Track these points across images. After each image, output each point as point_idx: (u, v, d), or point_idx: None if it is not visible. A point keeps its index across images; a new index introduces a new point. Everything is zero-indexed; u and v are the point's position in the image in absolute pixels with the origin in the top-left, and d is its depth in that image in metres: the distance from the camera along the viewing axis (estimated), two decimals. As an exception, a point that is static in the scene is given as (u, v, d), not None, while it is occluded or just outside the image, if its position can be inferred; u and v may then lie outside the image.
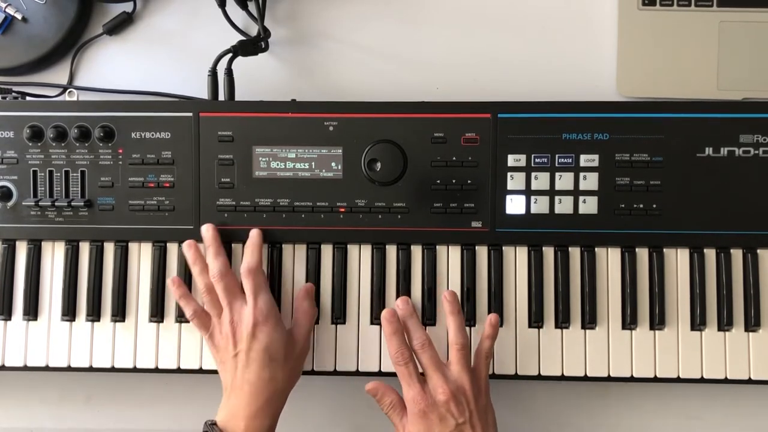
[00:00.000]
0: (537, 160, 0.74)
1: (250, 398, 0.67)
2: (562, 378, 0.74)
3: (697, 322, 0.74)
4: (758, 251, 0.74)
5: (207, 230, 0.74)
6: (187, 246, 0.74)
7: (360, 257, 0.76)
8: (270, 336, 0.69)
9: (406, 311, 0.72)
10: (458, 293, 0.74)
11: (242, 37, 0.82)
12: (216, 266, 0.71)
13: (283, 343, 0.69)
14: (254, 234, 0.74)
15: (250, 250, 0.73)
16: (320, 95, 0.83)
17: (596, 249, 0.75)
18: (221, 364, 0.70)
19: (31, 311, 0.76)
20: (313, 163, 0.75)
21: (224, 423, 0.67)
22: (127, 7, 0.85)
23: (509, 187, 0.74)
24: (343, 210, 0.75)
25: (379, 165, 0.74)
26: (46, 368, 0.75)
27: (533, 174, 0.74)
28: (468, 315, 0.74)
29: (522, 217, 0.74)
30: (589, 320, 0.74)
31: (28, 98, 0.81)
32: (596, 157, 0.74)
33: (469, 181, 0.74)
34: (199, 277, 0.72)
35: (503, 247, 0.75)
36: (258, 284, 0.71)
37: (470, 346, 0.71)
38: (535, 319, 0.74)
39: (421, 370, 0.70)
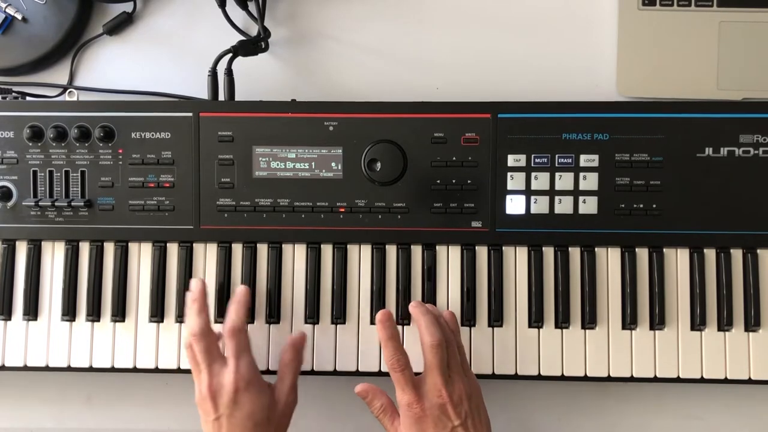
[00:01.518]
0: (537, 160, 0.74)
1: None
2: (562, 378, 0.74)
3: (697, 322, 0.74)
4: (758, 251, 0.74)
5: (196, 284, 0.71)
6: (191, 290, 0.71)
7: (360, 257, 0.76)
8: (252, 402, 0.66)
9: (421, 306, 0.70)
10: (458, 293, 0.74)
11: (242, 37, 0.82)
12: (196, 325, 0.68)
13: (266, 406, 0.67)
14: (241, 291, 0.71)
15: (234, 308, 0.70)
16: (320, 95, 0.83)
17: (596, 249, 0.75)
18: (204, 423, 0.68)
19: (31, 311, 0.76)
20: (313, 163, 0.75)
21: None
22: (127, 7, 0.85)
23: (509, 187, 0.74)
24: (343, 210, 0.75)
25: (379, 165, 0.74)
26: (46, 368, 0.76)
27: (533, 174, 0.74)
28: (468, 315, 0.74)
29: (522, 217, 0.74)
30: (589, 320, 0.74)
31: (28, 98, 0.81)
32: (596, 157, 0.74)
33: (469, 181, 0.74)
34: (186, 327, 0.69)
35: (503, 247, 0.75)
36: (241, 346, 0.68)
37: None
38: (535, 319, 0.74)
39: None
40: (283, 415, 0.69)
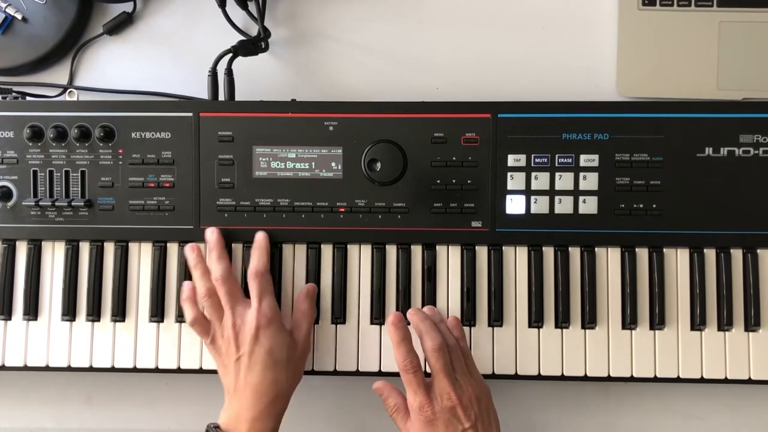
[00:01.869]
0: (537, 160, 0.74)
1: (253, 401, 0.67)
2: (562, 378, 0.74)
3: (697, 322, 0.74)
4: (758, 251, 0.74)
5: (212, 233, 0.74)
6: (189, 249, 0.74)
7: (360, 257, 0.76)
8: (273, 339, 0.69)
9: (420, 313, 0.71)
10: (458, 293, 0.74)
11: (242, 37, 0.82)
12: (219, 269, 0.71)
13: (285, 345, 0.70)
14: (261, 237, 0.74)
15: (258, 253, 0.73)
16: (320, 95, 0.83)
17: (596, 249, 0.75)
18: (223, 367, 0.70)
19: (31, 311, 0.76)
20: (313, 163, 0.75)
21: (227, 426, 0.67)
22: (127, 7, 0.85)
23: (509, 187, 0.74)
24: (343, 210, 0.75)
25: (379, 165, 0.74)
26: (46, 368, 0.76)
27: (533, 174, 0.74)
28: (468, 315, 0.74)
29: (522, 217, 0.74)
30: (589, 320, 0.74)
31: (28, 98, 0.81)
32: (596, 157, 0.74)
33: (469, 181, 0.74)
34: (201, 280, 0.72)
35: (503, 247, 0.75)
36: (264, 287, 0.71)
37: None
38: (535, 319, 0.74)
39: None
40: (300, 358, 0.71)
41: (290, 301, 0.75)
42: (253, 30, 0.84)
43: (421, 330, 0.70)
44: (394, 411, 0.70)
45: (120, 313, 0.75)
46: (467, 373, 0.69)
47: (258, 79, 0.84)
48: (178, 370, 0.75)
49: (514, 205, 0.74)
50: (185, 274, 0.75)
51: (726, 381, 0.73)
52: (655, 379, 0.74)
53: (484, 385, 0.70)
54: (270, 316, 0.70)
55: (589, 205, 0.74)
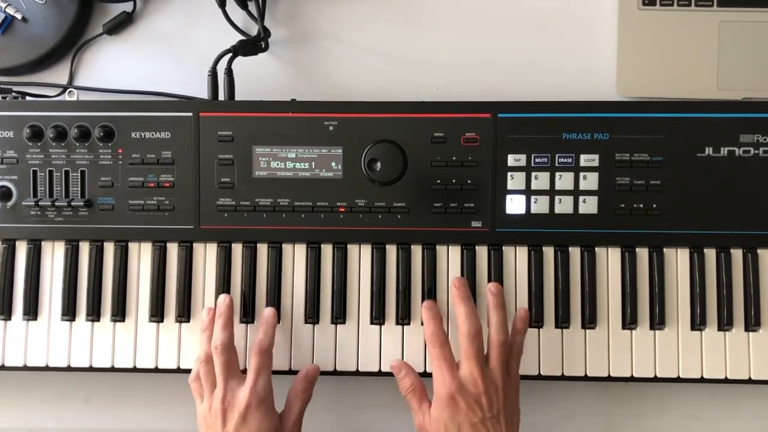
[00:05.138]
0: (537, 160, 0.74)
1: None
2: (562, 378, 0.74)
3: (697, 322, 0.74)
4: (758, 251, 0.74)
5: (223, 300, 0.72)
6: (207, 311, 0.72)
7: (360, 257, 0.76)
8: (260, 422, 0.66)
9: (464, 290, 0.71)
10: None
11: (242, 37, 0.82)
12: (220, 338, 0.69)
13: (272, 429, 0.67)
14: (269, 313, 0.72)
15: (264, 329, 0.71)
16: (320, 95, 0.83)
17: (596, 249, 0.75)
18: None
19: (31, 311, 0.76)
20: (313, 163, 0.75)
21: None
22: (127, 7, 0.85)
23: (509, 187, 0.74)
24: (343, 210, 0.75)
25: (379, 165, 0.74)
26: (46, 368, 0.76)
27: (533, 174, 0.74)
28: (468, 315, 0.74)
29: (522, 217, 0.74)
30: (589, 320, 0.74)
31: (28, 98, 0.81)
32: (596, 157, 0.74)
33: (469, 181, 0.74)
34: (203, 344, 0.71)
35: (503, 247, 0.75)
36: (263, 366, 0.69)
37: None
38: (535, 319, 0.74)
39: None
40: None
41: (290, 302, 0.75)
42: (253, 30, 0.84)
43: (460, 312, 0.69)
44: (409, 391, 0.70)
45: (120, 313, 0.75)
46: (503, 368, 0.68)
47: (258, 79, 0.84)
48: (178, 370, 0.75)
49: (514, 205, 0.74)
50: (185, 274, 0.75)
51: (726, 381, 0.73)
52: (655, 379, 0.74)
53: (516, 386, 0.69)
54: (262, 396, 0.67)
55: (589, 205, 0.74)
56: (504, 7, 0.84)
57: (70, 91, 0.81)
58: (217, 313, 0.71)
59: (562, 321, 0.74)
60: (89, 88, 0.84)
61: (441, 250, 0.75)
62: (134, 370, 0.75)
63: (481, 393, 0.66)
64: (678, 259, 0.75)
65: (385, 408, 0.78)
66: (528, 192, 0.74)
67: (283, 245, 0.76)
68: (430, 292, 0.75)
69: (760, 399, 0.78)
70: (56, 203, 0.75)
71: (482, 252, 0.75)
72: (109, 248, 0.76)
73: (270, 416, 0.68)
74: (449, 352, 0.69)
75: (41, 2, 0.83)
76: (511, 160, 0.74)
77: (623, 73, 0.81)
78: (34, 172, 0.76)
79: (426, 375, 0.72)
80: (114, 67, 0.85)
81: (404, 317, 0.74)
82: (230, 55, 0.78)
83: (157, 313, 0.75)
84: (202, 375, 0.69)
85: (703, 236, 0.74)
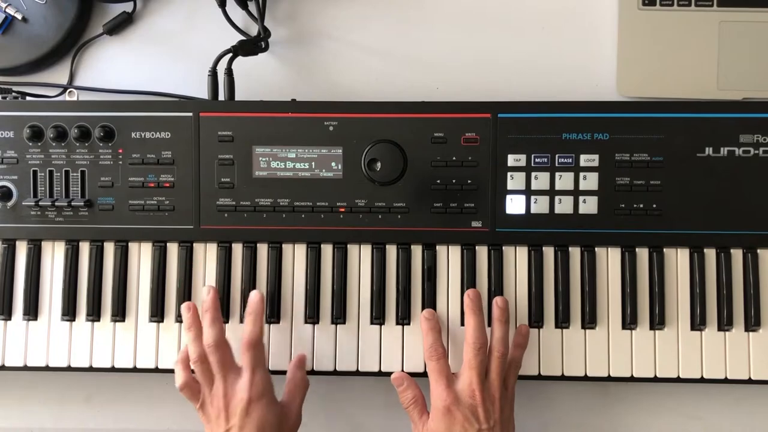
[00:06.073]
0: (537, 160, 0.74)
1: None
2: (563, 378, 0.74)
3: (697, 322, 0.74)
4: (758, 251, 0.74)
5: (208, 292, 0.71)
6: (186, 308, 0.71)
7: (360, 257, 0.76)
8: (264, 415, 0.66)
9: (477, 303, 0.71)
10: (458, 293, 0.74)
11: (242, 37, 0.82)
12: (212, 335, 0.68)
13: (276, 421, 0.67)
14: (255, 299, 0.71)
15: (251, 319, 0.69)
16: (320, 95, 0.83)
17: (596, 249, 0.75)
18: None
19: (31, 311, 0.76)
20: (313, 163, 0.75)
21: None
22: (127, 7, 0.85)
23: (509, 187, 0.74)
24: (343, 210, 0.75)
25: (379, 165, 0.74)
26: (46, 368, 0.76)
27: (533, 174, 0.74)
28: (468, 315, 0.74)
29: (522, 217, 0.74)
30: (589, 320, 0.74)
31: (28, 98, 0.81)
32: (596, 157, 0.74)
33: (469, 181, 0.74)
34: (193, 344, 0.69)
35: (503, 247, 0.75)
36: (257, 359, 0.68)
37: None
38: (535, 319, 0.74)
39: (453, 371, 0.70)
40: (291, 431, 0.69)
41: (290, 302, 0.75)
42: (253, 30, 0.84)
43: (470, 323, 0.70)
44: (411, 403, 0.70)
45: (120, 313, 0.75)
46: (501, 381, 0.69)
47: (258, 79, 0.84)
48: (178, 370, 0.75)
49: (514, 205, 0.74)
50: (185, 274, 0.75)
51: (726, 381, 0.73)
52: (655, 379, 0.74)
53: (512, 400, 0.70)
54: (262, 389, 0.67)
55: (589, 205, 0.74)
56: (504, 7, 0.84)
57: (70, 91, 0.81)
58: (204, 308, 0.70)
59: (562, 321, 0.74)
60: (89, 88, 0.84)
61: (441, 250, 0.76)
62: (134, 370, 0.75)
63: (478, 404, 0.66)
64: (678, 259, 0.75)
65: (385, 408, 0.79)
66: (528, 192, 0.74)
67: (283, 245, 0.76)
68: (430, 292, 0.75)
69: (760, 399, 0.78)
70: (56, 203, 0.75)
71: (482, 252, 0.75)
72: (109, 248, 0.76)
73: (273, 406, 0.68)
74: (446, 366, 0.69)
75: (41, 2, 0.83)
76: (511, 160, 0.74)
77: (623, 73, 0.81)
78: (35, 172, 0.76)
79: (426, 375, 0.72)
80: (114, 67, 0.85)
81: (404, 317, 0.74)
82: (230, 55, 0.78)
83: (158, 313, 0.75)
84: (199, 374, 0.69)
85: (703, 236, 0.74)
